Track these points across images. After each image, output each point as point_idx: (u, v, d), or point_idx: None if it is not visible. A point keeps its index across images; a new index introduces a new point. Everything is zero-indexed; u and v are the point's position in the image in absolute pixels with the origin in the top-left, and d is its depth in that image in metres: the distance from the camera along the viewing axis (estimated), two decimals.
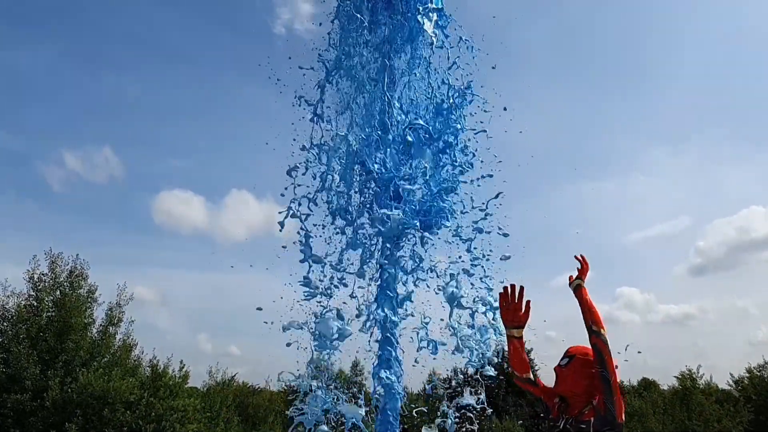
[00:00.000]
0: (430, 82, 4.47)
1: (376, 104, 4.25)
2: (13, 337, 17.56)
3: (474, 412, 3.99)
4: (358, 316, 3.71)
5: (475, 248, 3.99)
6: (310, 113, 4.31)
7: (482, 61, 4.38)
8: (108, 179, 56.05)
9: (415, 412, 4.05)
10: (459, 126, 4.10)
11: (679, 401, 22.68)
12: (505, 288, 2.94)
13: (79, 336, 18.23)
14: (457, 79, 4.38)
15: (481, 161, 4.06)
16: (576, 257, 2.88)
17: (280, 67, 4.48)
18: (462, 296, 3.79)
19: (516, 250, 4.02)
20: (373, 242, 3.94)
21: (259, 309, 3.67)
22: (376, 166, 3.81)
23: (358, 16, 4.41)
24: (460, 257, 3.96)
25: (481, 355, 3.99)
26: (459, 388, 4.02)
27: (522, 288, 2.90)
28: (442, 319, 3.90)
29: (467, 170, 4.03)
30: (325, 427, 3.72)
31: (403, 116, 4.21)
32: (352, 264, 3.94)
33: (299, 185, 4.08)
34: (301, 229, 3.95)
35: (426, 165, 3.88)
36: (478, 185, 4.04)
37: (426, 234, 3.86)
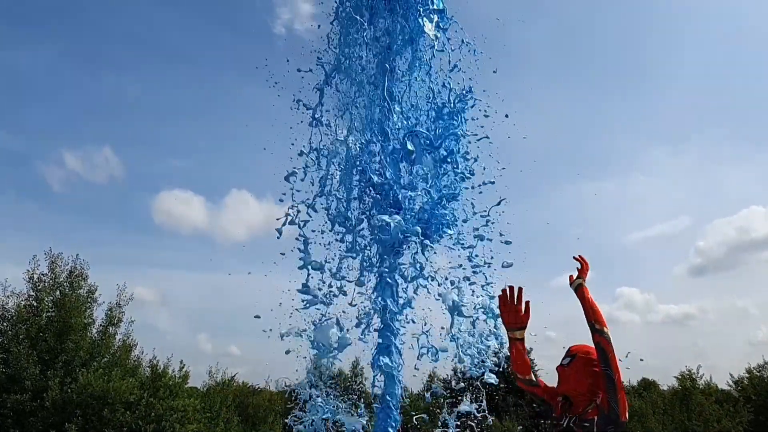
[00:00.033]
0: (431, 86, 4.42)
1: (376, 108, 4.21)
2: (13, 337, 17.55)
3: (475, 420, 3.97)
4: (358, 325, 3.67)
5: (476, 256, 3.95)
6: (309, 117, 4.27)
7: (484, 64, 4.34)
8: (108, 179, 56.10)
9: (416, 419, 4.03)
10: (460, 132, 4.06)
11: (679, 401, 22.67)
12: (504, 290, 2.94)
13: (78, 336, 18.22)
14: (458, 83, 4.34)
15: (484, 168, 4.02)
16: (575, 258, 2.87)
17: (279, 68, 4.44)
18: (463, 305, 3.75)
19: (517, 252, 4.00)
20: (372, 250, 3.90)
21: (257, 317, 3.64)
22: (375, 174, 3.77)
23: (357, 17, 4.36)
24: (461, 265, 3.93)
25: (481, 363, 3.96)
26: (459, 396, 4.00)
27: (521, 289, 2.90)
28: (442, 327, 3.87)
29: (469, 177, 3.98)
30: None
31: (404, 121, 4.16)
32: (351, 270, 3.92)
33: (297, 191, 4.05)
34: (300, 235, 3.92)
35: (427, 172, 3.84)
36: (480, 192, 4.00)
37: (427, 241, 3.82)
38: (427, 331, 3.89)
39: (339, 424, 3.72)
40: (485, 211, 3.99)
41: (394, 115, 4.09)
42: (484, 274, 3.93)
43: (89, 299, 19.19)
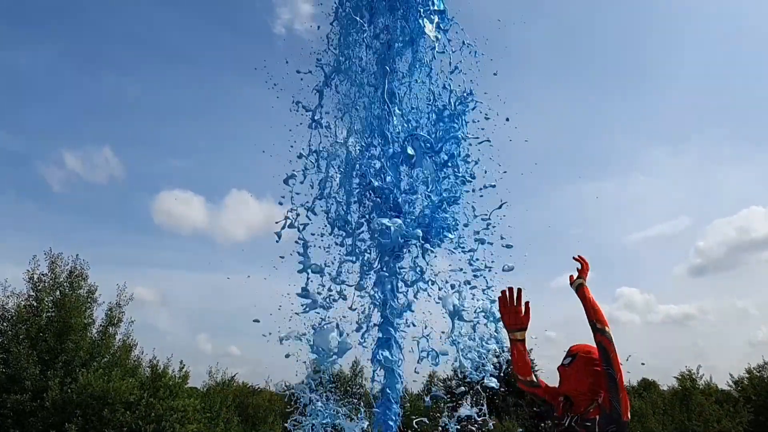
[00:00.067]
0: (431, 89, 4.40)
1: (376, 110, 4.19)
2: (13, 337, 17.55)
3: (476, 424, 3.96)
4: (358, 329, 3.66)
5: (477, 260, 3.93)
6: (309, 119, 4.25)
7: (485, 66, 4.31)
8: (108, 179, 56.08)
9: (416, 423, 4.02)
10: (461, 135, 4.04)
11: (679, 402, 22.66)
12: (503, 292, 2.93)
13: (78, 336, 18.22)
14: (459, 85, 4.31)
15: (485, 172, 4.00)
16: (575, 258, 2.86)
17: (279, 69, 4.42)
18: (464, 309, 3.74)
19: (517, 254, 3.97)
20: (372, 254, 3.89)
21: (256, 321, 3.63)
22: (375, 178, 3.75)
23: (357, 18, 4.34)
24: (461, 269, 3.91)
25: (482, 366, 3.95)
26: (460, 400, 3.99)
27: (520, 290, 2.89)
28: (443, 332, 3.85)
29: (470, 181, 3.96)
30: None
31: (404, 124, 4.14)
32: (351, 274, 3.90)
33: (297, 194, 4.03)
34: (299, 239, 3.91)
35: (427, 175, 3.82)
36: (481, 195, 3.98)
37: (427, 245, 3.80)
38: (427, 335, 3.88)
39: (339, 429, 3.71)
40: (486, 214, 3.97)
41: (394, 118, 4.07)
42: (485, 277, 3.91)
43: (89, 299, 19.20)
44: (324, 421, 3.68)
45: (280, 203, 3.99)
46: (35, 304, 18.33)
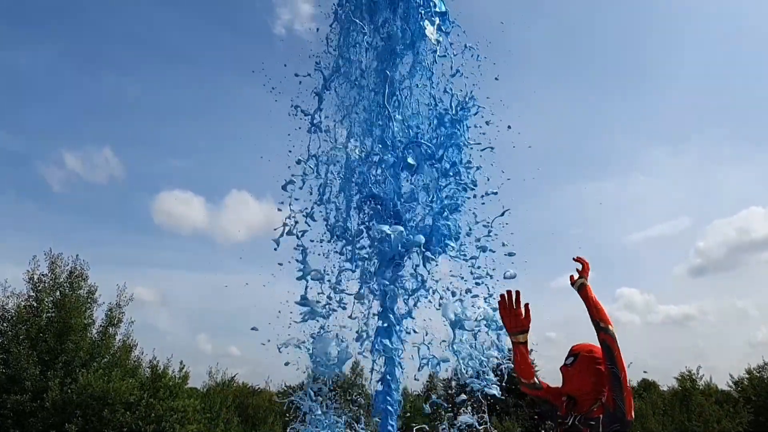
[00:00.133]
0: (432, 93, 4.35)
1: (376, 115, 4.15)
2: (13, 337, 17.53)
3: None
4: (357, 338, 3.63)
5: (478, 267, 3.90)
6: (308, 123, 4.20)
7: (486, 69, 4.26)
8: (108, 179, 56.06)
9: (416, 430, 4.00)
10: (463, 141, 4.00)
11: (679, 402, 22.66)
12: (502, 295, 2.92)
13: (78, 337, 18.20)
14: (461, 89, 4.27)
15: (488, 179, 3.96)
16: (575, 259, 2.85)
17: (279, 70, 4.36)
18: (465, 319, 3.71)
19: (518, 256, 3.92)
20: (372, 261, 3.86)
21: (254, 329, 3.60)
22: (375, 185, 3.72)
23: (357, 21, 4.30)
24: (462, 277, 3.88)
25: (482, 374, 3.93)
26: (460, 407, 3.96)
27: (518, 292, 2.89)
28: (443, 341, 3.83)
29: (472, 188, 3.92)
30: None
31: (405, 130, 4.10)
32: (350, 281, 3.87)
33: (296, 199, 3.99)
34: (298, 245, 3.87)
35: (428, 182, 3.79)
36: (482, 203, 3.95)
37: (428, 253, 3.77)
38: (429, 343, 3.86)
39: None
40: (488, 222, 3.94)
41: (395, 124, 4.04)
42: (486, 285, 3.89)
43: (89, 300, 19.16)
44: (324, 431, 3.65)
45: (279, 209, 3.96)
46: (35, 304, 18.30)
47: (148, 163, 61.61)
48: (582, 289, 2.73)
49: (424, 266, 3.84)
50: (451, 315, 3.71)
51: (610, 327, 2.57)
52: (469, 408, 3.99)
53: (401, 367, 3.71)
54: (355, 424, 3.78)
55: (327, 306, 3.77)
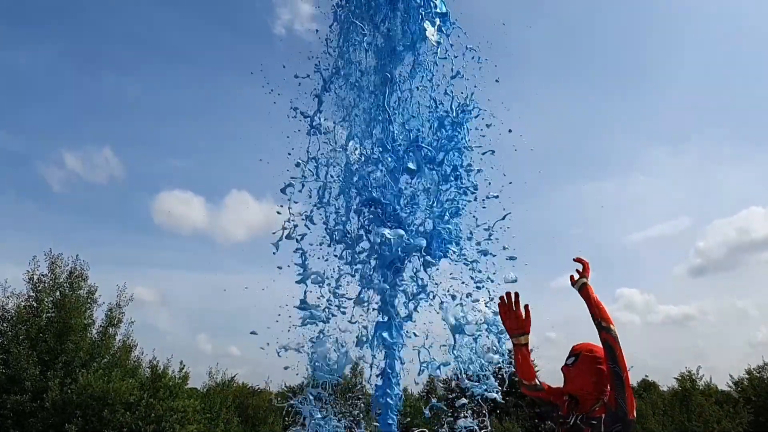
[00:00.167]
0: (432, 95, 4.33)
1: (376, 117, 4.13)
2: (13, 338, 17.54)
3: None
4: (357, 344, 3.62)
5: (479, 271, 3.89)
6: (307, 125, 4.18)
7: (487, 71, 4.24)
8: (108, 179, 56.00)
9: None
10: (464, 144, 3.98)
11: (679, 402, 22.67)
12: (502, 297, 2.92)
13: (78, 337, 18.21)
14: (462, 92, 4.25)
15: (489, 183, 3.94)
16: (575, 260, 2.84)
17: (279, 71, 4.33)
18: (466, 323, 3.70)
19: (518, 257, 3.92)
20: (372, 265, 3.84)
21: (254, 333, 3.59)
22: (375, 189, 3.70)
23: (357, 22, 4.28)
24: (463, 282, 3.87)
25: (483, 378, 3.92)
26: (460, 411, 3.95)
27: (517, 294, 2.89)
28: (443, 345, 3.81)
29: (473, 192, 3.91)
30: None
31: (406, 133, 4.08)
32: (350, 285, 3.85)
33: (295, 202, 3.96)
34: (298, 249, 3.85)
35: (428, 186, 3.77)
36: (484, 207, 3.93)
37: (428, 257, 3.75)
38: (429, 347, 3.85)
39: None
40: (489, 226, 3.92)
41: (395, 127, 4.01)
42: (487, 289, 3.87)
43: (89, 300, 19.17)
44: None
45: (278, 212, 3.94)
46: (35, 304, 18.31)
47: (148, 163, 61.64)
48: (583, 288, 2.73)
49: (425, 270, 3.82)
50: (451, 319, 3.70)
51: (612, 326, 2.57)
52: (470, 412, 3.98)
53: (401, 361, 3.69)
54: (356, 429, 3.77)
55: (327, 310, 3.76)
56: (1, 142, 49.27)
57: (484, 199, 3.96)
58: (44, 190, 52.21)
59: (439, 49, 4.26)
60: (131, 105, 59.57)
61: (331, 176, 4.06)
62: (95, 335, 19.20)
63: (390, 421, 3.56)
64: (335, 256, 3.91)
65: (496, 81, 4.34)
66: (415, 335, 3.92)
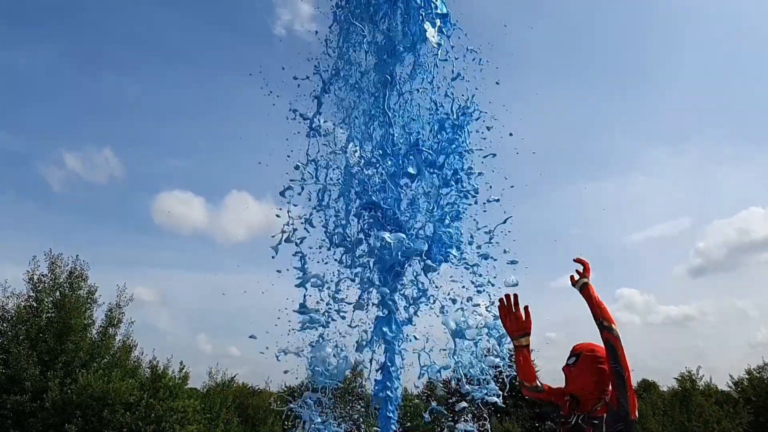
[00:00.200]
0: (433, 98, 4.31)
1: (376, 119, 4.11)
2: (13, 338, 17.54)
3: None
4: (357, 348, 3.60)
5: (480, 275, 3.87)
6: (306, 127, 4.16)
7: (487, 72, 4.21)
8: (108, 179, 55.93)
9: None
10: (464, 147, 3.96)
11: (679, 403, 22.66)
12: (501, 300, 2.92)
13: (78, 337, 18.21)
14: (462, 94, 4.23)
15: (490, 186, 3.92)
16: (576, 260, 2.83)
17: (279, 71, 4.30)
18: (467, 327, 3.69)
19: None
20: (372, 269, 3.82)
21: (253, 337, 3.58)
22: (375, 193, 3.68)
23: (357, 24, 4.26)
24: (464, 286, 3.85)
25: (483, 382, 3.91)
26: (460, 415, 3.95)
27: (516, 296, 2.89)
28: (443, 349, 3.80)
29: (474, 195, 3.89)
30: None
31: (406, 136, 4.07)
32: (350, 289, 3.83)
33: (295, 205, 3.94)
34: (297, 252, 3.84)
35: (429, 189, 3.75)
36: (485, 210, 3.91)
37: (429, 261, 3.74)
38: (429, 350, 3.84)
39: None
40: (489, 229, 3.90)
41: (395, 129, 3.99)
42: (488, 293, 3.85)
43: (89, 300, 19.17)
44: None
45: (278, 215, 3.93)
46: (35, 304, 18.30)
47: (148, 163, 61.57)
48: (584, 288, 2.73)
49: (425, 274, 3.80)
50: (452, 324, 3.68)
51: (613, 326, 2.58)
52: (470, 416, 3.97)
53: (401, 356, 3.68)
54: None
55: (326, 314, 3.74)
56: (1, 142, 49.27)
57: (485, 203, 3.94)
58: (44, 190, 52.22)
59: (439, 51, 4.24)
60: (131, 105, 59.58)
61: (331, 179, 4.04)
62: (95, 335, 19.20)
63: (389, 414, 3.54)
64: (335, 259, 3.90)
65: (497, 83, 4.32)
66: (416, 338, 3.91)
